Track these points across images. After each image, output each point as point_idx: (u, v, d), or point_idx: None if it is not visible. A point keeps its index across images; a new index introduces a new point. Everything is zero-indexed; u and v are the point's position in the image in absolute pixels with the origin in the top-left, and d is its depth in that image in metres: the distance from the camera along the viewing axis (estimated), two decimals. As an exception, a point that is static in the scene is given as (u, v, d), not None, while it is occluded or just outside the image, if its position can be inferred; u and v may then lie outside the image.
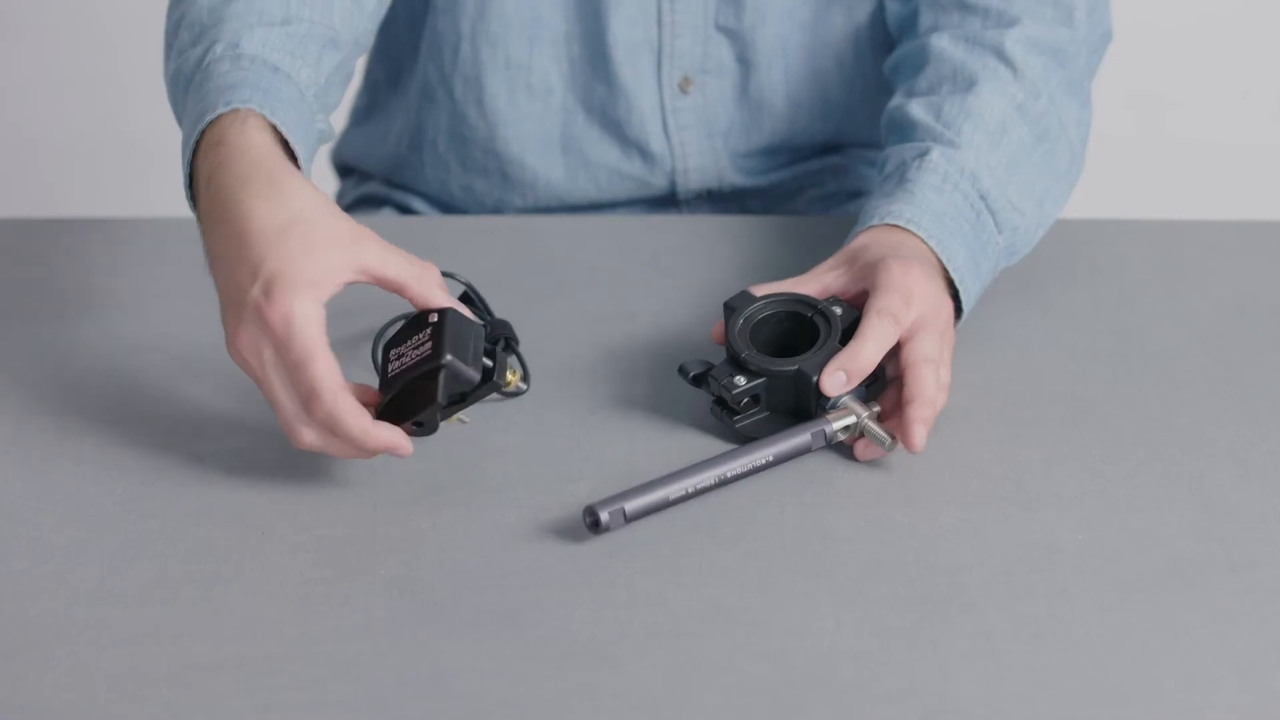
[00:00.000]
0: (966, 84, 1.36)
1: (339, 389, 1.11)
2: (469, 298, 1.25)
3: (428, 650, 1.05)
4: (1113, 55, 1.49)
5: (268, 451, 1.19)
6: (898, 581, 1.09)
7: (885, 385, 1.22)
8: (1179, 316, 1.34)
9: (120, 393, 1.25)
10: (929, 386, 1.19)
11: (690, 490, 1.14)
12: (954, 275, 1.27)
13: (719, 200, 1.58)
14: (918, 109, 1.35)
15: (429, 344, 1.13)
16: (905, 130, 1.36)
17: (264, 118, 1.18)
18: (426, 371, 1.13)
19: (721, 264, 1.41)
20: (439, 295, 1.15)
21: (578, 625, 1.06)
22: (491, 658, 1.04)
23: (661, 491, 1.14)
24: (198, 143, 1.19)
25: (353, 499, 1.16)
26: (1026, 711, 1.01)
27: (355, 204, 1.66)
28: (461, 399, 1.14)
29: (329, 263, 1.13)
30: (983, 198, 1.31)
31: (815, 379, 1.18)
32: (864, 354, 1.19)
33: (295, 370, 1.11)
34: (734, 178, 1.56)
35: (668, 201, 1.58)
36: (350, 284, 1.14)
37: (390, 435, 1.12)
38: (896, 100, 1.38)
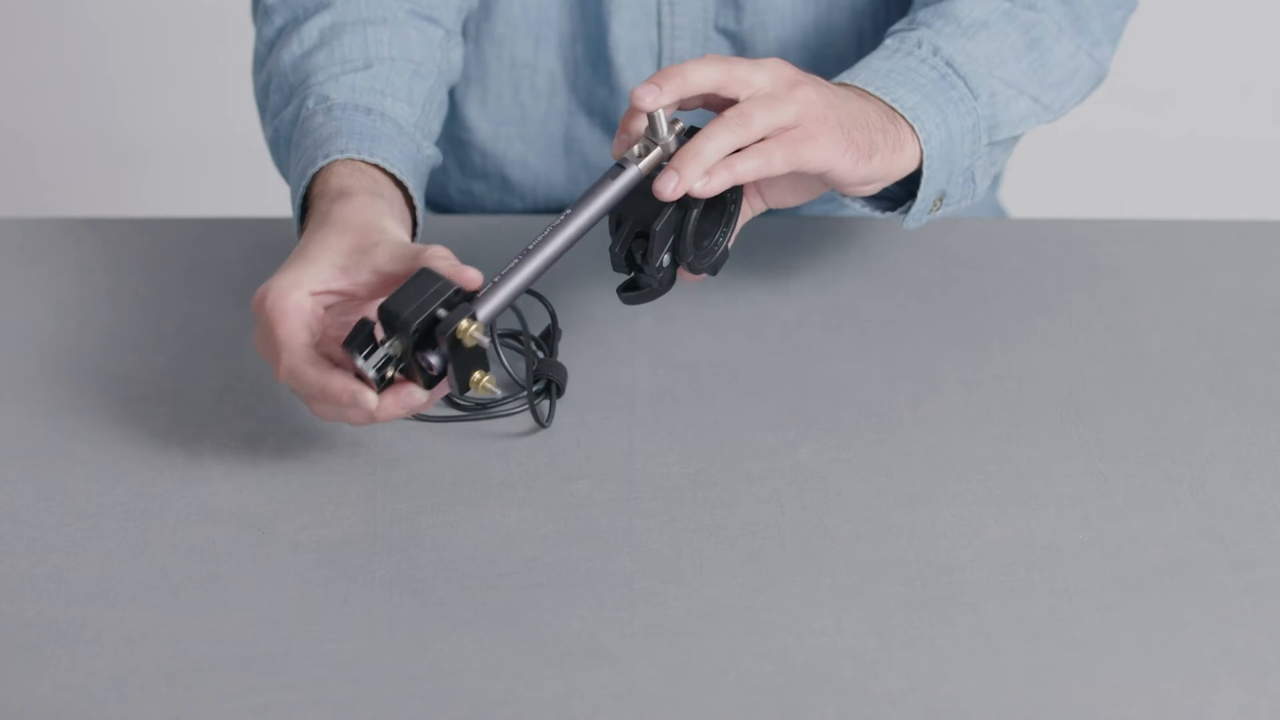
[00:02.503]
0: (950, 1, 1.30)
1: (299, 345, 1.10)
2: (548, 333, 1.28)
3: (428, 650, 1.05)
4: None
5: (268, 451, 1.19)
6: (898, 581, 1.09)
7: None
8: (1179, 316, 1.34)
9: (120, 393, 1.25)
10: (704, 140, 1.13)
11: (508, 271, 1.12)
12: (905, 113, 1.20)
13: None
14: (891, 30, 1.31)
15: None
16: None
17: (363, 162, 1.22)
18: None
19: (721, 264, 1.40)
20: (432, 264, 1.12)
21: (578, 625, 1.06)
22: (491, 657, 1.04)
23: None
24: (305, 197, 1.22)
25: (353, 499, 1.16)
26: (1026, 711, 1.01)
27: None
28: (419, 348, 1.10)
29: (324, 241, 1.14)
30: (948, 63, 1.25)
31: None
32: (691, 149, 1.14)
33: (268, 336, 1.11)
34: None
35: None
36: (351, 266, 1.13)
37: (345, 383, 1.10)
38: None
